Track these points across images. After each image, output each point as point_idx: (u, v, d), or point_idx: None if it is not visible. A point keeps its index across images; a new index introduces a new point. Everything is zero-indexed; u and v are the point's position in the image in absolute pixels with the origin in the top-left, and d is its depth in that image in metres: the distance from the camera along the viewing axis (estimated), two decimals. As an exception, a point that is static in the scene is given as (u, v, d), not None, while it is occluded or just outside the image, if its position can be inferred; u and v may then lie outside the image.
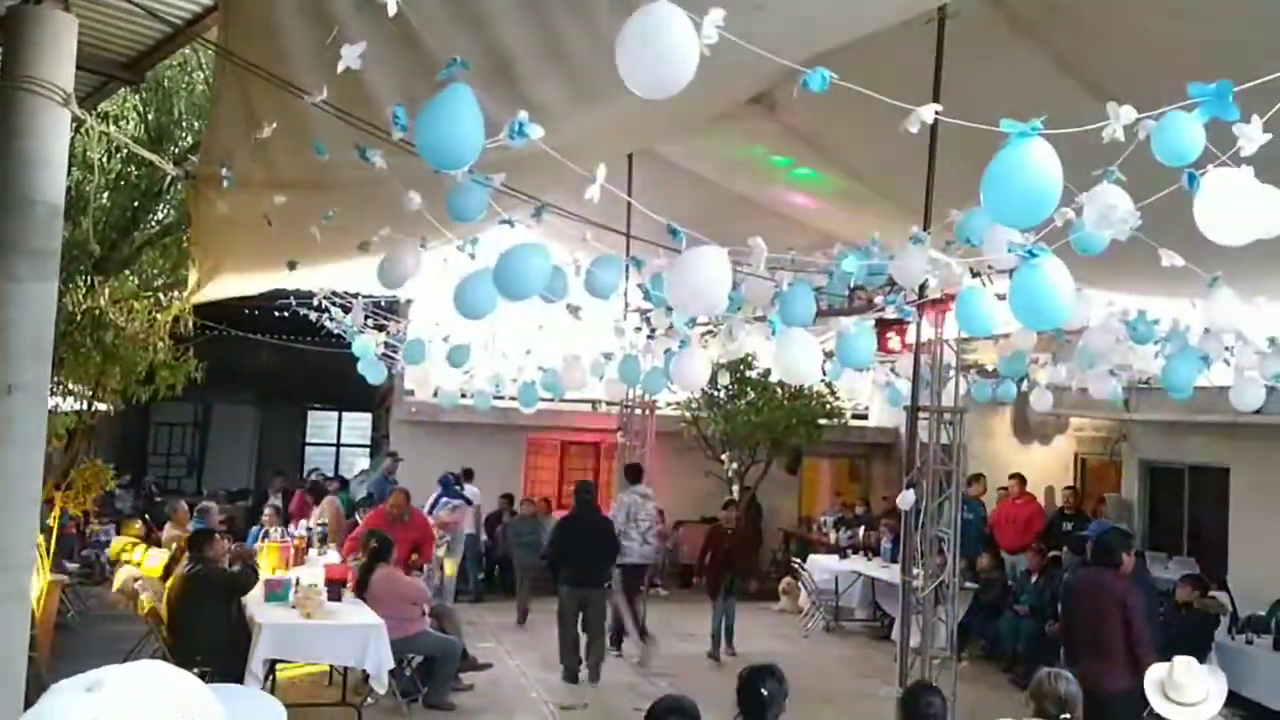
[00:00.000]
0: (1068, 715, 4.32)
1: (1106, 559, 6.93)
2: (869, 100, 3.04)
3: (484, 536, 14.68)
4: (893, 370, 9.97)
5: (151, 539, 12.08)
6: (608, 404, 14.55)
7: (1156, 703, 4.23)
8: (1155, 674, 4.35)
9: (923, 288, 5.84)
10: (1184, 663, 4.36)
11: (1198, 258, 4.16)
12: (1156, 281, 6.14)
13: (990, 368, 9.83)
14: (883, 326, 6.89)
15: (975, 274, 4.67)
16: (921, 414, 7.79)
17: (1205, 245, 3.27)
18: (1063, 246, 3.56)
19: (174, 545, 10.31)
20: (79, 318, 8.16)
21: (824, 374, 8.33)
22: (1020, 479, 13.43)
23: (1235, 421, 9.58)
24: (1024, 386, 9.87)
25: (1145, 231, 3.60)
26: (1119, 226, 3.17)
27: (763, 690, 4.26)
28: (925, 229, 5.41)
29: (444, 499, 12.03)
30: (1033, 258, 3.23)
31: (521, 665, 10.48)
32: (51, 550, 9.00)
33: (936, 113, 3.08)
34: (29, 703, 1.22)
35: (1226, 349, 6.97)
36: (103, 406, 9.78)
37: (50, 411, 5.02)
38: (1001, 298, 4.12)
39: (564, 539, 10.36)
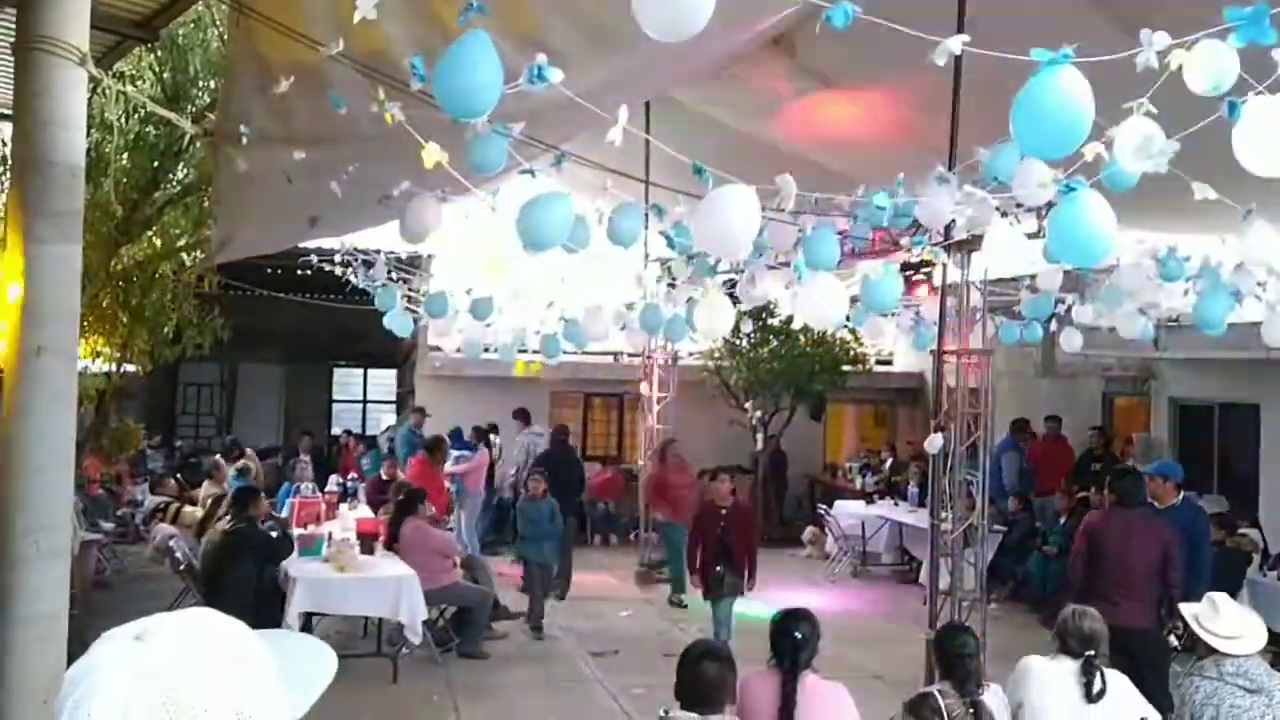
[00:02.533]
0: (1092, 652, 4.34)
1: (1130, 499, 6.94)
2: (891, 39, 2.97)
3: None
4: (917, 314, 9.89)
5: (185, 498, 12.23)
6: (629, 355, 14.56)
7: (1202, 634, 4.22)
8: (1191, 609, 4.34)
9: (948, 229, 5.76)
10: (1220, 597, 4.35)
11: (1230, 191, 4.07)
12: (1187, 217, 6.05)
13: (1017, 309, 9.73)
14: (907, 270, 6.83)
15: (1003, 214, 4.60)
16: (948, 357, 7.73)
17: (1237, 178, 3.19)
18: (1091, 184, 3.48)
19: (209, 501, 10.44)
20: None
21: (847, 319, 8.26)
22: (1056, 421, 13.39)
23: (1265, 358, 9.48)
24: (1052, 327, 9.78)
25: (1174, 165, 3.51)
26: (1157, 158, 3.09)
27: (796, 634, 4.29)
28: (950, 169, 5.33)
29: (452, 451, 12.21)
30: (1070, 191, 3.15)
31: (553, 613, 10.59)
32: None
33: (964, 44, 3.01)
34: (71, 659, 1.22)
35: (1259, 284, 6.88)
36: (131, 368, 9.86)
37: (80, 373, 5.07)
38: (1032, 236, 4.05)
39: (546, 474, 11.16)
